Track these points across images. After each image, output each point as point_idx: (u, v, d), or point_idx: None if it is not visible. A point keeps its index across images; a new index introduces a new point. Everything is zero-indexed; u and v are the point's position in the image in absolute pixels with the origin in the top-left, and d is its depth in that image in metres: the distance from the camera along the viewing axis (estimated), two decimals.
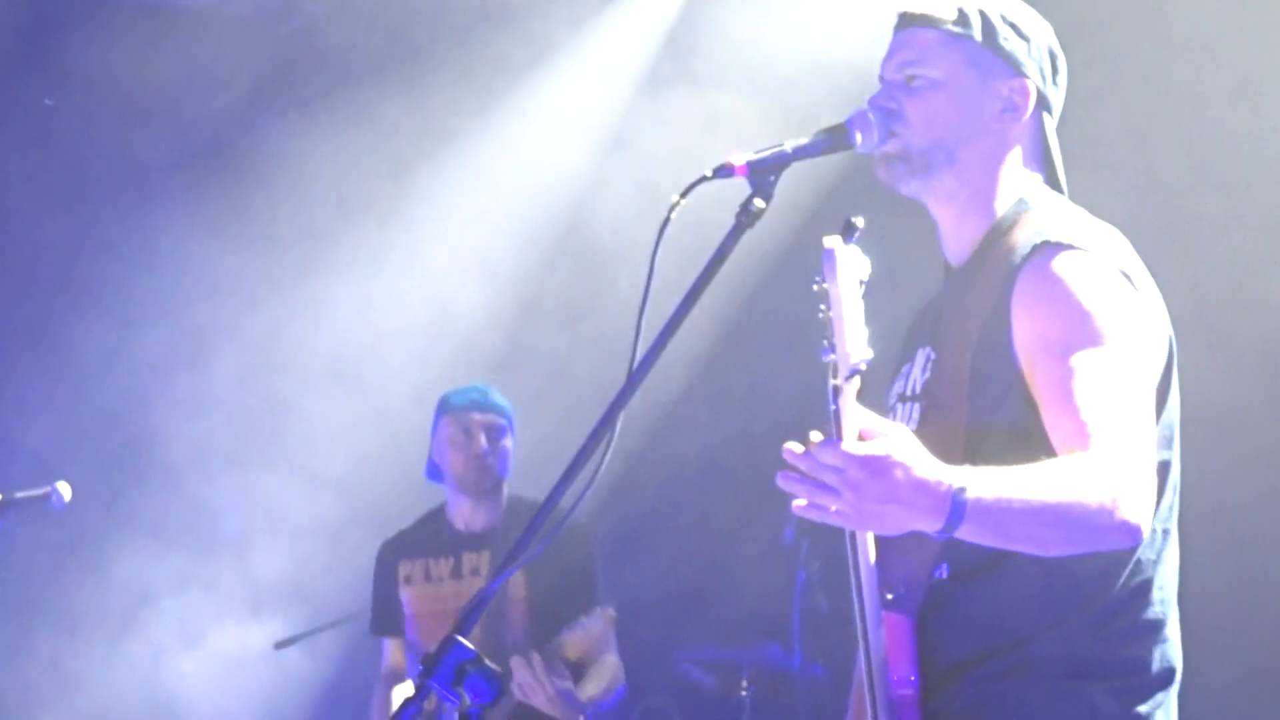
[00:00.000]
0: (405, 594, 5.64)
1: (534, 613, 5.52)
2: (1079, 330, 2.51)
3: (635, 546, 7.32)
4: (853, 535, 2.58)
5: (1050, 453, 2.47)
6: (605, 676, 5.45)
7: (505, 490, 5.65)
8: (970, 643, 2.62)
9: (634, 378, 2.49)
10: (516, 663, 5.09)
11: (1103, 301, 2.53)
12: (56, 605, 8.12)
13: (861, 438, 2.38)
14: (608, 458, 2.50)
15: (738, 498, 7.19)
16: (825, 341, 2.44)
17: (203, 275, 8.38)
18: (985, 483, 2.32)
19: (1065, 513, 2.36)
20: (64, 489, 6.70)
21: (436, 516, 5.73)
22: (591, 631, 5.26)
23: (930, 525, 2.31)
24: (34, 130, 8.70)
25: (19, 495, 6.80)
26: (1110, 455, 2.41)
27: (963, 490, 2.29)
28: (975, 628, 2.62)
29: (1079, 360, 2.49)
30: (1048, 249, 2.59)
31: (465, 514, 5.63)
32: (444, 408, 5.67)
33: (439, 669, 2.35)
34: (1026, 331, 2.56)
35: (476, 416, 5.60)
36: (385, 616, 5.71)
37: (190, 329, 8.32)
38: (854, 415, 2.43)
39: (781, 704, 6.79)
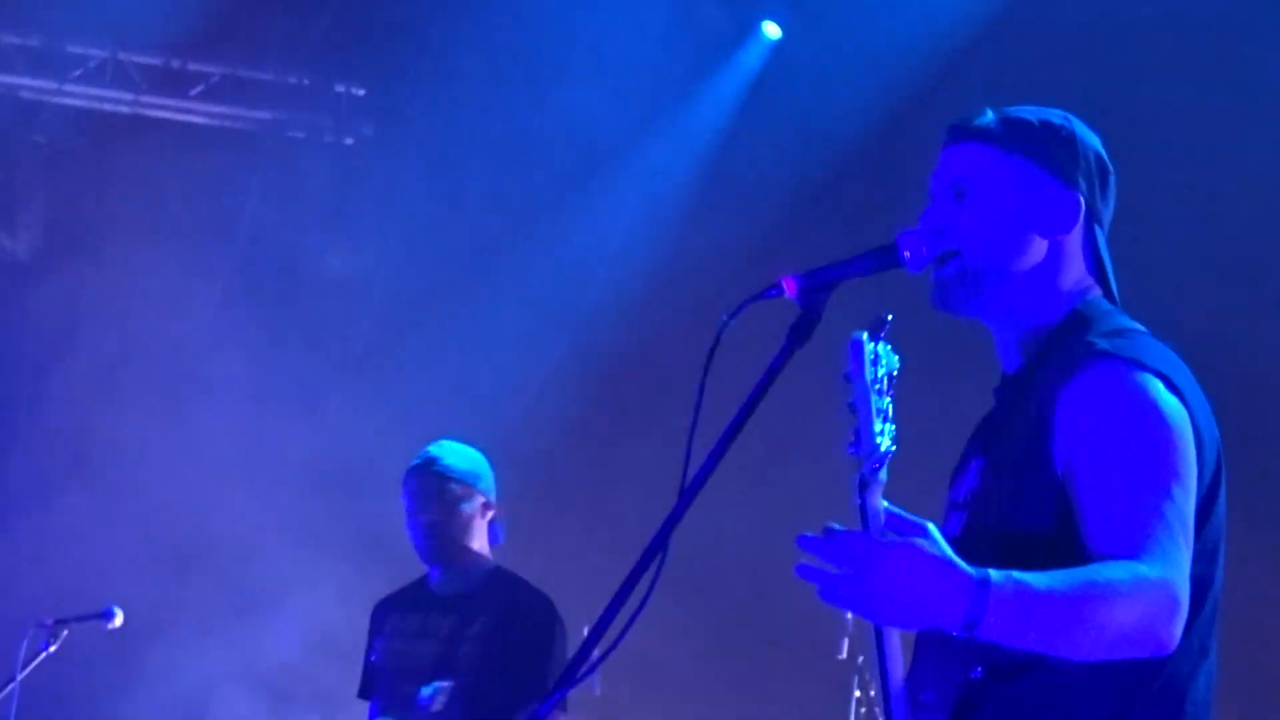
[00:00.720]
0: (377, 646, 5.52)
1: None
2: (1121, 442, 2.48)
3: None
4: (879, 636, 2.52)
5: (1080, 560, 2.43)
6: None
7: (489, 561, 5.47)
8: None
9: (686, 496, 2.46)
10: None
11: (1146, 415, 2.50)
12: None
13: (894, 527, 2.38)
14: (659, 577, 2.48)
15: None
16: (852, 435, 2.42)
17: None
18: (1011, 578, 2.29)
19: (1091, 615, 2.33)
20: (118, 612, 6.87)
21: (425, 578, 5.58)
22: None
23: (952, 617, 2.27)
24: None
25: (75, 617, 6.96)
26: (1142, 563, 2.37)
27: (985, 581, 2.27)
28: None
29: (1118, 471, 2.46)
30: (1094, 360, 2.56)
31: (438, 578, 5.47)
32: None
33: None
34: (1069, 440, 2.53)
35: (413, 484, 5.45)
36: (367, 678, 5.55)
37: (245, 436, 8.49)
38: (878, 509, 2.41)
39: None
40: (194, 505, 8.67)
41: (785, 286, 2.57)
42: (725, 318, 2.58)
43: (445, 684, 5.26)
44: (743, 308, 2.57)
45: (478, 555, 5.44)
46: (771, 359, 2.55)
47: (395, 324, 9.22)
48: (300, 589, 8.37)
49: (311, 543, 8.29)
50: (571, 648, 5.18)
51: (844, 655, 6.64)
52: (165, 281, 9.03)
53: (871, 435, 2.43)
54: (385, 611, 5.61)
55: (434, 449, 5.52)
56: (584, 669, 2.53)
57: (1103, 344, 2.59)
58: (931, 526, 2.38)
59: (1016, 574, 2.31)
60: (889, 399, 2.47)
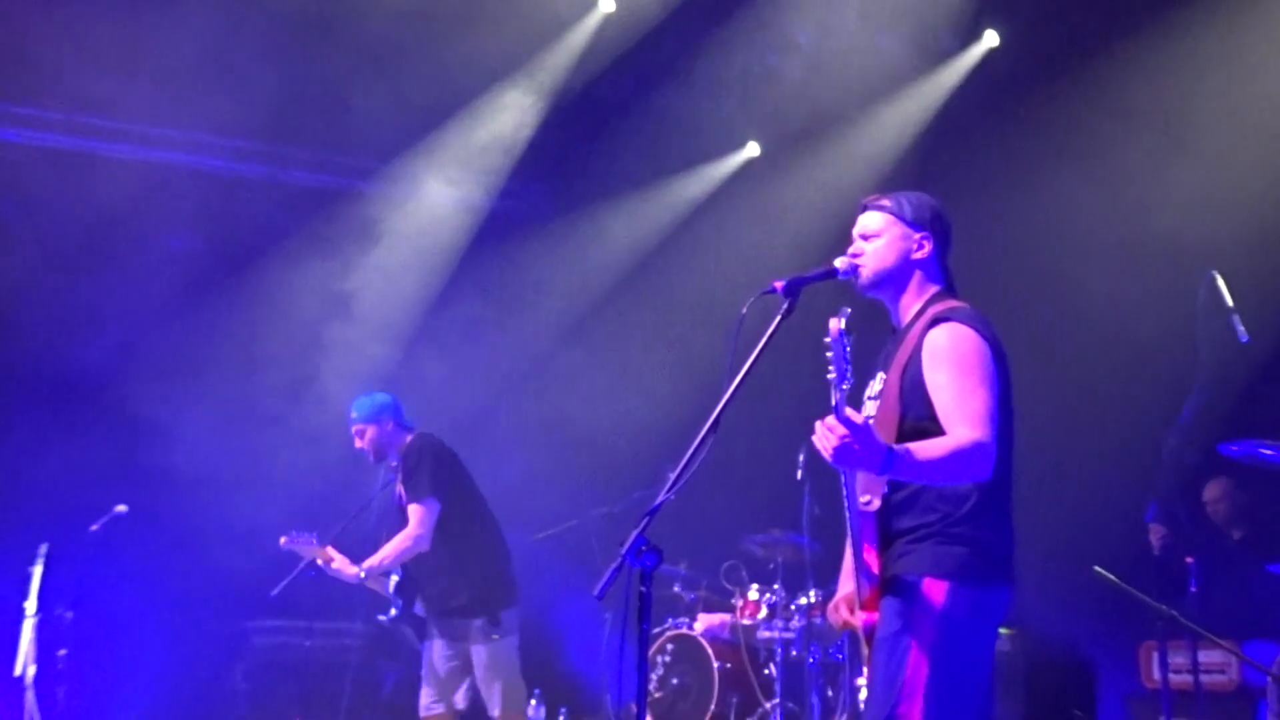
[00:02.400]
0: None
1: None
2: (953, 365, 4.47)
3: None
4: (847, 475, 4.53)
5: (942, 433, 4.42)
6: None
7: (401, 448, 7.91)
8: (903, 525, 4.54)
9: (727, 400, 4.43)
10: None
11: (966, 350, 4.49)
12: None
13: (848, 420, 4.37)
14: (707, 447, 4.41)
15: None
16: (830, 373, 4.34)
17: None
18: (904, 449, 4.28)
19: (946, 463, 4.33)
20: (121, 508, 9.00)
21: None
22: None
23: (874, 468, 4.26)
24: None
25: (95, 526, 9.00)
26: (971, 432, 4.36)
27: (891, 451, 4.25)
28: (905, 519, 4.54)
29: (955, 383, 4.44)
30: (940, 322, 4.56)
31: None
32: None
33: (630, 548, 4.22)
34: (928, 367, 4.51)
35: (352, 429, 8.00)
36: None
37: None
38: (844, 410, 4.40)
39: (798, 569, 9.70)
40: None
41: (776, 287, 4.56)
42: (744, 309, 4.56)
43: None
44: (751, 302, 4.55)
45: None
46: (769, 330, 4.55)
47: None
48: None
49: None
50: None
51: (799, 477, 9.27)
52: None
53: (841, 373, 4.33)
54: None
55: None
56: (667, 493, 4.41)
57: (944, 313, 4.59)
58: (867, 419, 4.31)
59: (908, 447, 4.28)
60: (848, 350, 4.42)
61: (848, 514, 4.60)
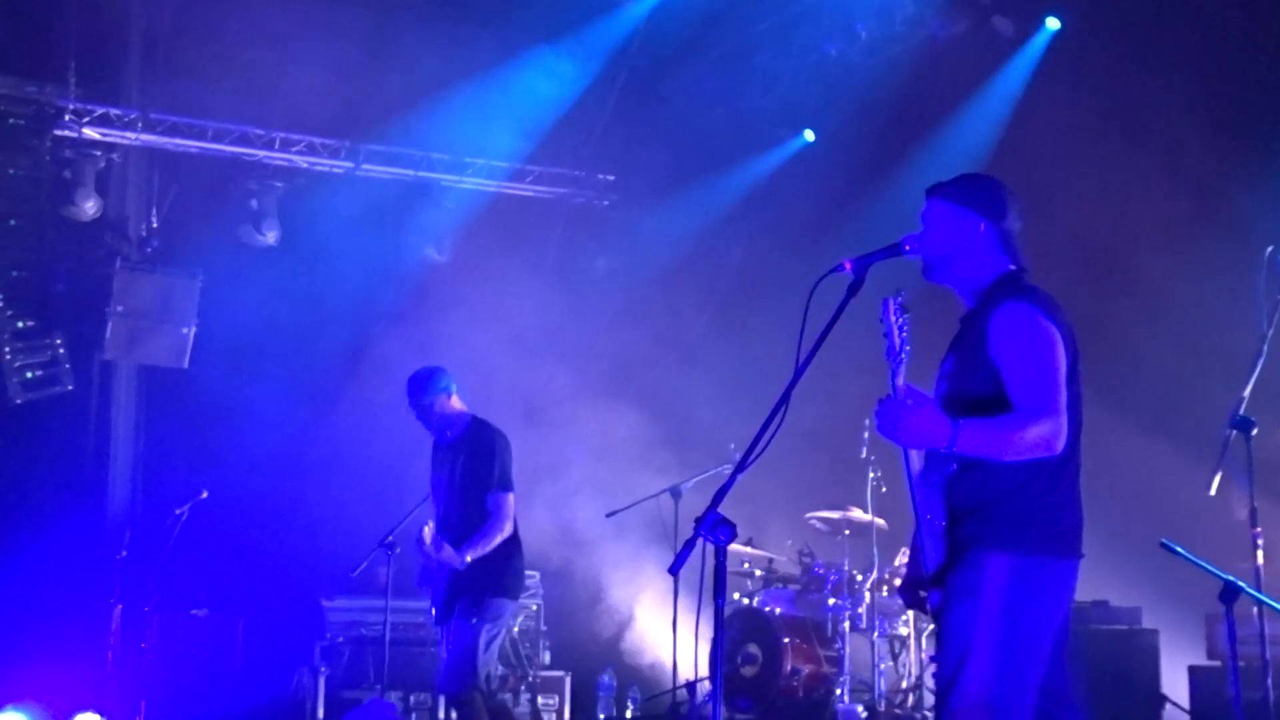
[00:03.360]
0: None
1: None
2: (1021, 345, 4.41)
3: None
4: (905, 452, 4.49)
5: (1010, 409, 4.37)
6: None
7: (464, 426, 7.76)
8: (969, 501, 4.46)
9: (798, 374, 4.38)
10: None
11: (1032, 329, 4.43)
12: None
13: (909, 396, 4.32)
14: (782, 420, 4.37)
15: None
16: (887, 349, 4.35)
17: None
18: (969, 424, 4.25)
19: (1013, 438, 4.28)
20: (204, 494, 9.04)
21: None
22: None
23: (939, 442, 4.24)
24: None
25: (180, 510, 9.06)
26: (1039, 409, 4.30)
27: (956, 423, 4.22)
28: (971, 495, 4.46)
29: (1022, 360, 4.38)
30: (1005, 301, 4.49)
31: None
32: None
33: (703, 523, 4.18)
34: (996, 344, 4.43)
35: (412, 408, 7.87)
36: None
37: None
38: (900, 386, 4.34)
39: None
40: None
41: (845, 266, 4.52)
42: (813, 285, 4.51)
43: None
44: (822, 278, 4.50)
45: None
46: (837, 305, 4.51)
47: None
48: None
49: None
50: None
51: (864, 454, 9.21)
52: None
53: (894, 348, 4.36)
54: None
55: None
56: (739, 470, 4.39)
57: (1010, 293, 4.53)
58: (930, 396, 4.31)
59: (973, 421, 4.26)
60: (904, 327, 4.41)
61: (911, 491, 4.55)
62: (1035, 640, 4.35)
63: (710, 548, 4.20)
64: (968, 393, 4.50)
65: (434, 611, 7.74)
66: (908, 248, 4.60)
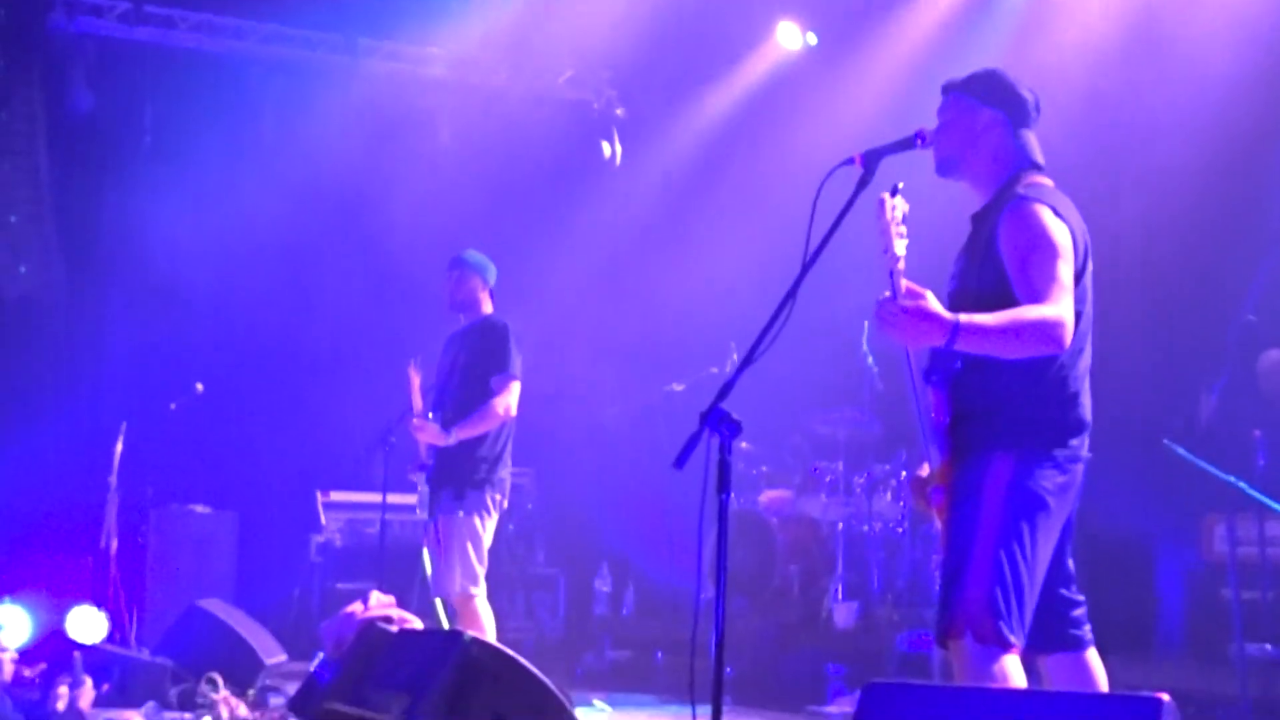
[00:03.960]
0: None
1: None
2: (1028, 243, 4.33)
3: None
4: (908, 352, 4.43)
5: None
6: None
7: (484, 315, 7.70)
8: (974, 399, 4.40)
9: (805, 269, 4.30)
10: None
11: (1040, 226, 4.34)
12: None
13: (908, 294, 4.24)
14: (789, 316, 4.30)
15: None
16: (884, 247, 4.30)
17: None
18: (970, 318, 4.17)
19: (1017, 334, 4.19)
20: (199, 386, 9.00)
21: None
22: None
23: (941, 339, 4.16)
24: None
25: (174, 405, 9.03)
26: (1043, 304, 4.22)
27: (956, 321, 4.14)
28: (976, 393, 4.39)
29: (1029, 258, 4.31)
30: (1014, 199, 4.41)
31: None
32: None
33: (710, 418, 4.12)
34: (1003, 243, 4.36)
35: (450, 270, 7.75)
36: None
37: None
38: (900, 284, 4.26)
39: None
40: None
41: (855, 159, 4.42)
42: (823, 178, 4.42)
43: None
44: (832, 172, 4.40)
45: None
46: (847, 199, 4.42)
47: None
48: None
49: None
50: None
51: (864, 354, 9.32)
52: None
53: (891, 246, 4.29)
54: None
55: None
56: (745, 364, 4.32)
57: (1021, 191, 4.45)
58: (929, 293, 4.24)
59: (975, 317, 4.17)
60: (903, 226, 4.32)
61: (913, 390, 4.48)
62: (1037, 540, 4.30)
63: (713, 448, 4.15)
64: (975, 291, 4.43)
65: (418, 506, 7.66)
66: (920, 141, 4.50)
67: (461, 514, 7.37)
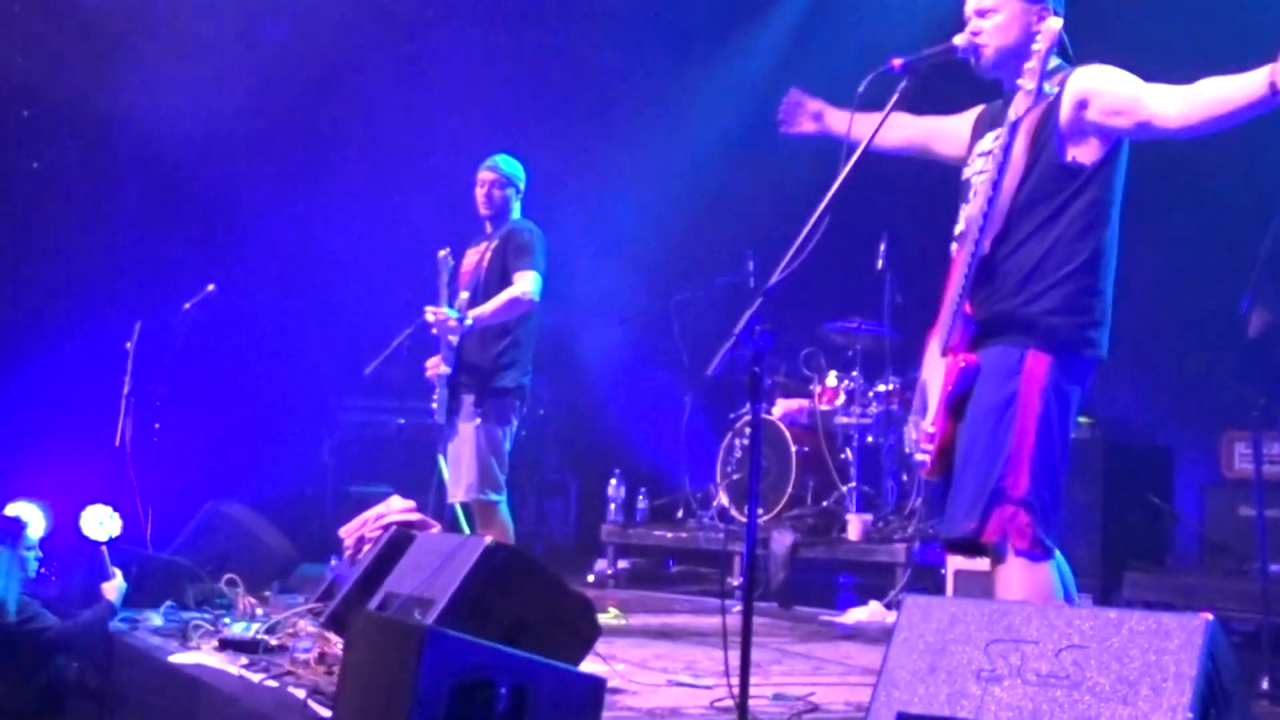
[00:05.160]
0: None
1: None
2: (1122, 79, 4.27)
3: None
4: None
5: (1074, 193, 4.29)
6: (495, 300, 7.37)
7: (513, 219, 7.58)
8: (1012, 278, 4.32)
9: (844, 181, 4.24)
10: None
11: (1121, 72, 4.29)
12: None
13: None
14: (822, 228, 4.25)
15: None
16: None
17: None
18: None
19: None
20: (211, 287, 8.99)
21: None
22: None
23: None
24: None
25: (188, 305, 9.01)
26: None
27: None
28: (1009, 274, 4.33)
29: (1132, 83, 4.24)
30: (1079, 71, 4.34)
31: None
32: None
33: (743, 330, 4.08)
34: (1099, 84, 4.27)
35: (482, 174, 7.61)
36: None
37: None
38: None
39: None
40: None
41: (894, 65, 4.34)
42: (861, 87, 4.35)
43: None
44: (869, 79, 4.34)
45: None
46: (888, 107, 4.36)
47: None
48: None
49: None
50: None
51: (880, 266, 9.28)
52: None
53: None
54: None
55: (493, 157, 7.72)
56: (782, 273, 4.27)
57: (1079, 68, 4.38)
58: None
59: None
60: None
61: (958, 251, 4.42)
62: (1066, 439, 4.30)
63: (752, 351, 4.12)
64: (1025, 168, 4.36)
65: (436, 413, 7.61)
66: (959, 50, 4.43)
67: (480, 421, 7.33)
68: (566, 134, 11.86)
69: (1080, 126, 4.29)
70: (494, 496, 7.31)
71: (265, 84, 11.40)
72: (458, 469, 7.41)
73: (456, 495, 7.43)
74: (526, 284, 7.36)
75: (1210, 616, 3.06)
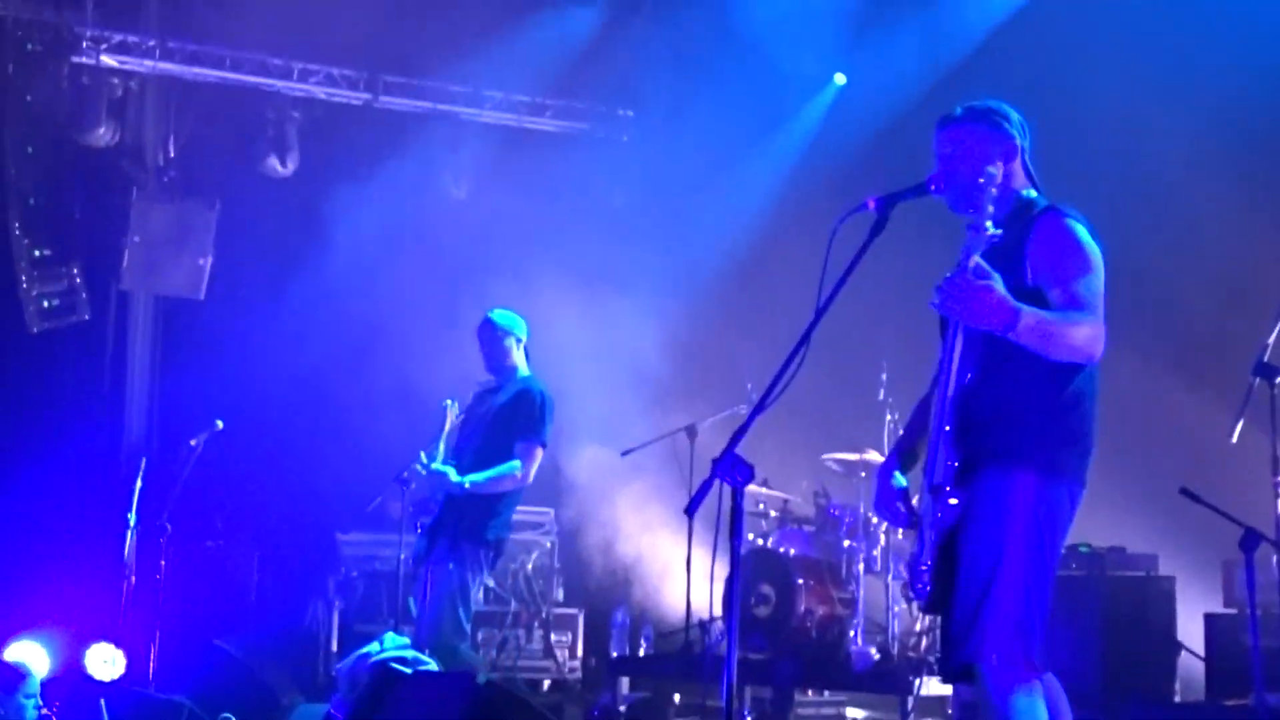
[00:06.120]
0: None
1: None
2: (1072, 251, 4.37)
3: None
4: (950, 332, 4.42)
5: None
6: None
7: (518, 376, 7.65)
8: (988, 410, 4.38)
9: (819, 314, 4.30)
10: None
11: (1078, 238, 4.40)
12: None
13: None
14: (801, 361, 4.29)
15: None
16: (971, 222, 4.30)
17: None
18: (1031, 310, 4.19)
19: (1068, 332, 4.23)
20: (219, 424, 9.01)
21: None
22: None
23: (1002, 324, 4.17)
24: None
25: (195, 441, 9.03)
26: (1095, 311, 4.28)
27: (1019, 308, 4.16)
28: (991, 403, 4.39)
29: (1073, 266, 4.35)
30: (1047, 211, 4.46)
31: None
32: None
33: (721, 464, 4.11)
34: (1038, 250, 4.38)
35: (480, 332, 7.70)
36: None
37: None
38: (973, 260, 4.25)
39: None
40: None
41: (869, 204, 4.42)
42: (835, 224, 4.43)
43: None
44: (845, 217, 4.40)
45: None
46: (860, 245, 4.42)
47: None
48: None
49: None
50: None
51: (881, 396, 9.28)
52: None
53: (980, 224, 4.27)
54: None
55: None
56: (758, 409, 4.31)
57: (1054, 207, 4.49)
58: (997, 276, 4.22)
59: (1036, 309, 4.20)
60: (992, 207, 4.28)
61: (939, 388, 4.47)
62: (1054, 561, 4.35)
63: (727, 489, 4.13)
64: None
65: (414, 551, 7.63)
66: (933, 187, 4.51)
67: (452, 566, 7.33)
68: (570, 262, 11.98)
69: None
70: (458, 644, 7.29)
71: (276, 222, 11.58)
72: (424, 613, 7.39)
73: (422, 639, 7.31)
74: (527, 462, 7.45)
75: None
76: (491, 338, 7.70)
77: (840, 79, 12.16)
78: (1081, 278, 4.33)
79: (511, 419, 7.49)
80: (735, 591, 3.88)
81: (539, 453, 7.48)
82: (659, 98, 12.44)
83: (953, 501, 4.37)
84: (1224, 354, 8.42)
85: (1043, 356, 4.28)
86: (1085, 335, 4.25)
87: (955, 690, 4.71)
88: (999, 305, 4.16)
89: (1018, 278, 4.36)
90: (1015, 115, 4.67)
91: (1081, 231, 4.42)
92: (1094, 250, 4.41)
